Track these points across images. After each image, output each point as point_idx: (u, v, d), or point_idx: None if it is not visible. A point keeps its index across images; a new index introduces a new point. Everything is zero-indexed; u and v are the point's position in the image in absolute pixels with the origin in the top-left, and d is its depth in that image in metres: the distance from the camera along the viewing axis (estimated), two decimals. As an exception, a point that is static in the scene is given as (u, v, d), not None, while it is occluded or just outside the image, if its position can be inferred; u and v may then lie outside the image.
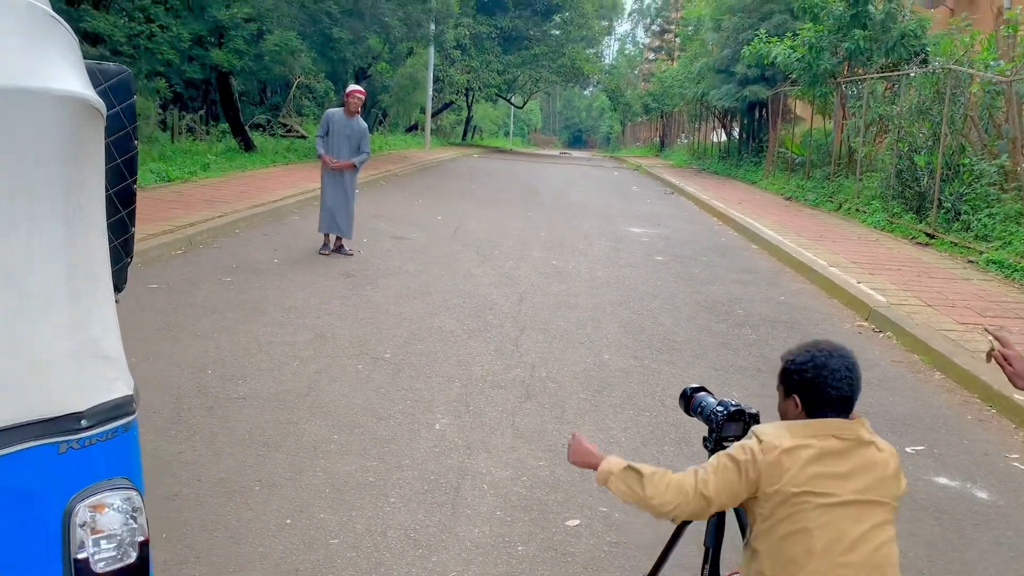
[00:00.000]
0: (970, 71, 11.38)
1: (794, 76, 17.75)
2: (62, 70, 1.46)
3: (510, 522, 3.61)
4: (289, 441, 4.25)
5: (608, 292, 8.25)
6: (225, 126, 20.62)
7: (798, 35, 16.55)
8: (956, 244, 10.86)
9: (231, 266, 8.17)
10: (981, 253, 10.08)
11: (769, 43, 17.45)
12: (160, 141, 17.48)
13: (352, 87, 9.19)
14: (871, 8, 15.11)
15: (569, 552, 3.41)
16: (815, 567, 2.02)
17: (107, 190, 2.97)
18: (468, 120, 49.64)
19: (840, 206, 15.28)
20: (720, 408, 2.75)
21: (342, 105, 9.29)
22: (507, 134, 71.80)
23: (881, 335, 7.24)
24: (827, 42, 15.89)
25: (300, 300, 7.05)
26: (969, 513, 3.95)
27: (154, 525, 3.34)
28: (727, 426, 2.73)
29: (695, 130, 34.60)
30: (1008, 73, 10.58)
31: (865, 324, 7.59)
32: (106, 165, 2.95)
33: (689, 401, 2.90)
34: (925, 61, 13.76)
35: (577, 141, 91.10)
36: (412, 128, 39.84)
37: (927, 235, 11.70)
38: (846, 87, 16.41)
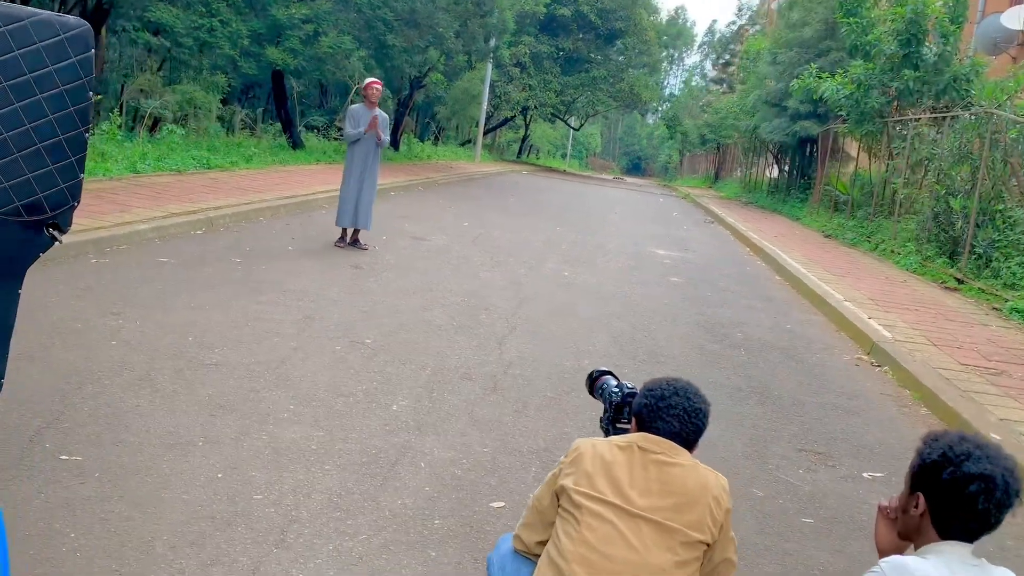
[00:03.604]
0: (1012, 116, 11.16)
1: (843, 114, 17.58)
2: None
3: (436, 498, 3.68)
4: (245, 406, 4.38)
5: (610, 305, 8.27)
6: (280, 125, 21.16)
7: (848, 72, 16.39)
8: (983, 291, 10.62)
9: (245, 249, 8.41)
10: (1007, 301, 9.84)
11: (819, 79, 17.30)
12: (212, 133, 18.01)
13: (369, 79, 9.41)
14: (924, 50, 14.91)
15: (484, 530, 3.46)
16: (575, 550, 2.07)
17: (59, 135, 3.16)
18: (524, 138, 50.04)
19: (876, 246, 15.04)
20: (617, 390, 2.81)
21: (362, 99, 9.47)
22: (564, 156, 72.04)
23: (878, 369, 7.13)
24: (877, 80, 15.70)
25: (301, 285, 7.23)
26: (905, 538, 3.88)
27: (89, 465, 3.50)
28: (622, 408, 2.78)
29: (748, 163, 34.33)
30: (1047, 120, 10.37)
31: (865, 357, 7.47)
32: (60, 112, 3.13)
33: (594, 383, 2.96)
34: (970, 104, 13.52)
35: (636, 168, 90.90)
36: (467, 142, 40.32)
37: (957, 280, 11.46)
38: (893, 127, 16.17)
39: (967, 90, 14.55)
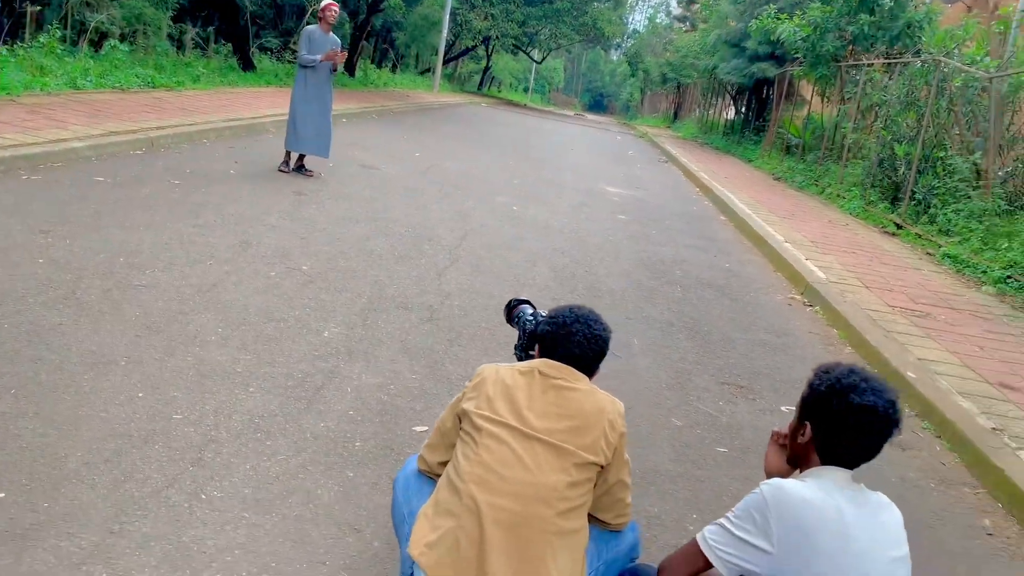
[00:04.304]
0: (958, 65, 11.28)
1: (799, 56, 17.60)
2: None
3: (359, 421, 3.73)
4: (173, 328, 4.36)
5: (555, 240, 8.31)
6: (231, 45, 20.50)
7: (806, 14, 16.37)
8: (920, 236, 10.87)
9: (185, 171, 8.24)
10: (940, 247, 10.10)
11: (777, 19, 17.26)
12: (160, 51, 17.39)
13: (327, 1, 9.05)
14: (882, -6, 14.93)
15: (405, 453, 3.53)
16: (472, 471, 2.14)
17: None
18: (486, 70, 49.27)
19: (823, 190, 15.24)
20: (531, 318, 2.86)
21: (318, 21, 9.14)
22: (526, 90, 71.20)
23: (809, 309, 7.31)
24: (833, 24, 15.73)
25: (240, 209, 7.12)
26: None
27: (5, 381, 3.47)
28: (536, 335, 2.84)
29: (706, 104, 34.30)
30: (991, 70, 10.50)
31: (798, 297, 7.66)
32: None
33: (512, 311, 3.01)
34: (920, 52, 13.64)
35: (598, 106, 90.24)
36: (427, 71, 39.56)
37: (896, 225, 11.71)
38: (847, 71, 16.26)
39: (919, 37, 14.65)
